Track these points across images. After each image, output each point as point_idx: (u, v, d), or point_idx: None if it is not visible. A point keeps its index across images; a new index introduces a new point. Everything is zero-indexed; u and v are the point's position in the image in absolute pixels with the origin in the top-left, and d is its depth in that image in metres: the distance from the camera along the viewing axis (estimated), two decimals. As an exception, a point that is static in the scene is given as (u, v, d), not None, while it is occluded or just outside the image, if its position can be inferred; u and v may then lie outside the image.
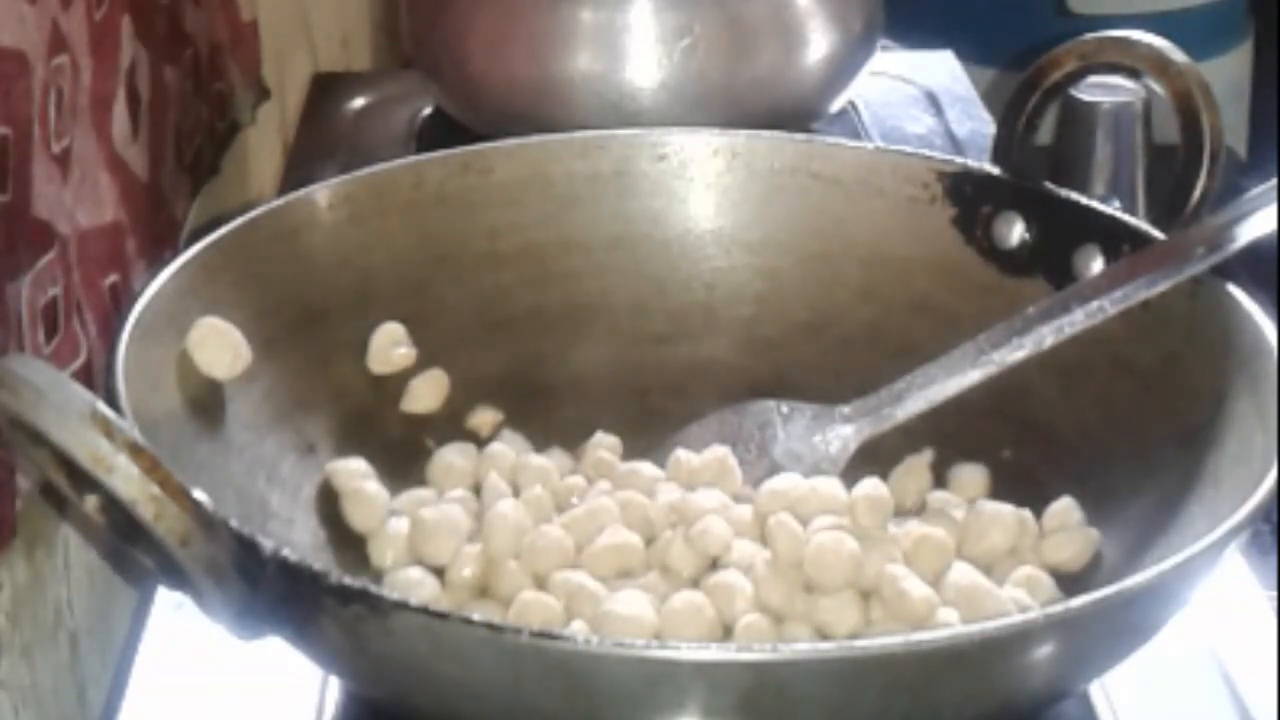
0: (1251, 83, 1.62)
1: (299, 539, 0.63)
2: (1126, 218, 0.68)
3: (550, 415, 0.72)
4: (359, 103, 1.10)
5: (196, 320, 0.63)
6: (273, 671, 0.60)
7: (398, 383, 0.71)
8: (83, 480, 0.49)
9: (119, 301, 0.74)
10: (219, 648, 0.59)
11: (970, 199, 0.72)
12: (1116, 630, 0.52)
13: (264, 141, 1.11)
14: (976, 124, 1.04)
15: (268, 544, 0.50)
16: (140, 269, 0.78)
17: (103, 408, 0.48)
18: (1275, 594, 0.67)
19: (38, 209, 0.66)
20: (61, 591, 0.69)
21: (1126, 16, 1.33)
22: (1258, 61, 1.63)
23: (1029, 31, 1.42)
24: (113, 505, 0.49)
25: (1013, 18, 1.55)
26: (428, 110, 1.07)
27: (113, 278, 0.75)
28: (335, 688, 0.61)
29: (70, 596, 0.69)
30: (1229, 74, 1.56)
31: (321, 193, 0.71)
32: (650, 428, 0.72)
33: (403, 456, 0.70)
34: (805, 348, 0.74)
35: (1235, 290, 0.63)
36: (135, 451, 0.48)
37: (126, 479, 0.48)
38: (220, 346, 0.63)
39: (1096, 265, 0.68)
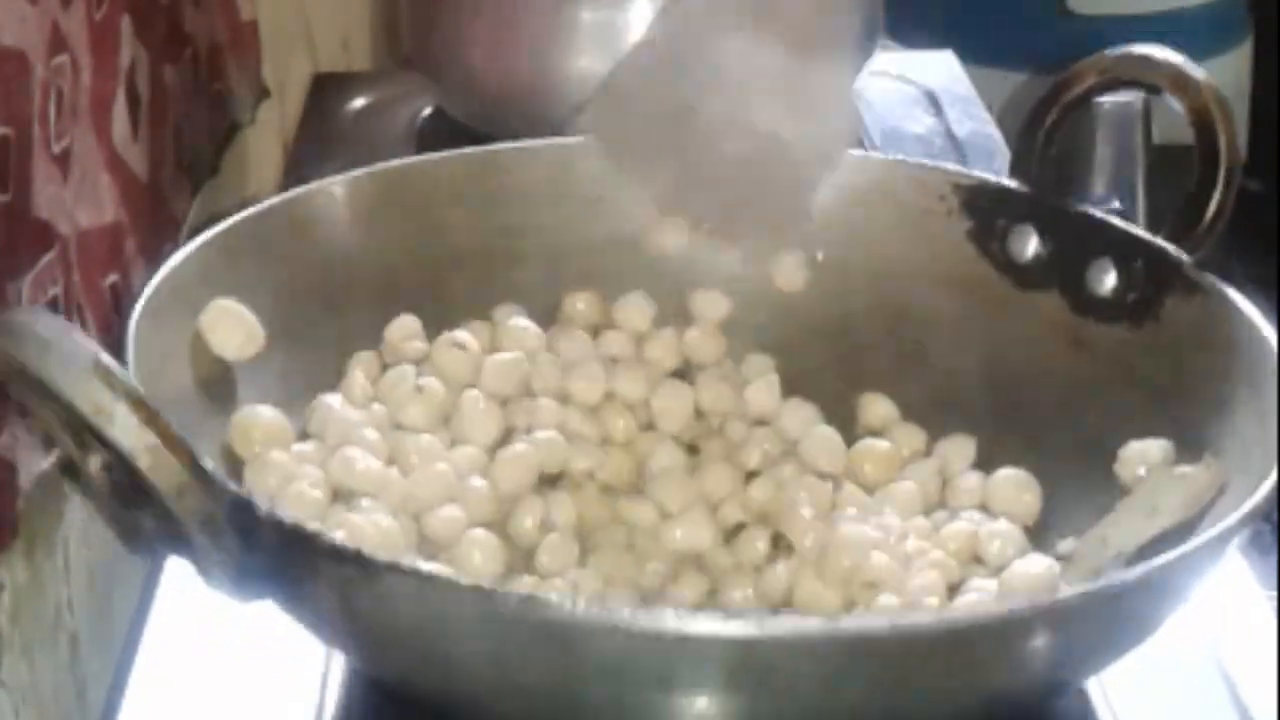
0: (1251, 83, 1.62)
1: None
2: (1141, 232, 0.68)
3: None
4: (359, 103, 1.10)
5: (210, 301, 0.63)
6: (273, 671, 0.60)
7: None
8: (85, 439, 0.49)
9: (119, 301, 0.74)
10: (219, 648, 0.59)
11: (986, 212, 0.72)
12: (1112, 624, 0.52)
13: (264, 141, 1.11)
14: (976, 124, 1.04)
15: (263, 503, 0.50)
16: (140, 269, 0.78)
17: (106, 359, 0.48)
18: (1275, 594, 0.67)
19: (38, 209, 0.66)
20: (61, 592, 0.69)
21: (1127, 16, 1.33)
22: (1258, 61, 1.63)
23: (1029, 31, 1.42)
24: (115, 465, 0.49)
25: (1013, 17, 1.55)
26: (428, 110, 1.07)
27: (113, 278, 0.75)
28: (335, 688, 0.61)
29: (70, 597, 0.69)
30: (1229, 74, 1.56)
31: (339, 184, 0.71)
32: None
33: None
34: (818, 355, 0.74)
35: (1236, 295, 0.63)
36: (135, 402, 0.48)
37: (125, 429, 0.48)
38: (233, 327, 0.64)
39: (1110, 279, 0.68)
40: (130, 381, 0.49)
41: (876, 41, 1.00)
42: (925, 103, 1.07)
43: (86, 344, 0.49)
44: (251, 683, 0.62)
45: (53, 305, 0.67)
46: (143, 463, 0.48)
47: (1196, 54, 0.69)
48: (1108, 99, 0.84)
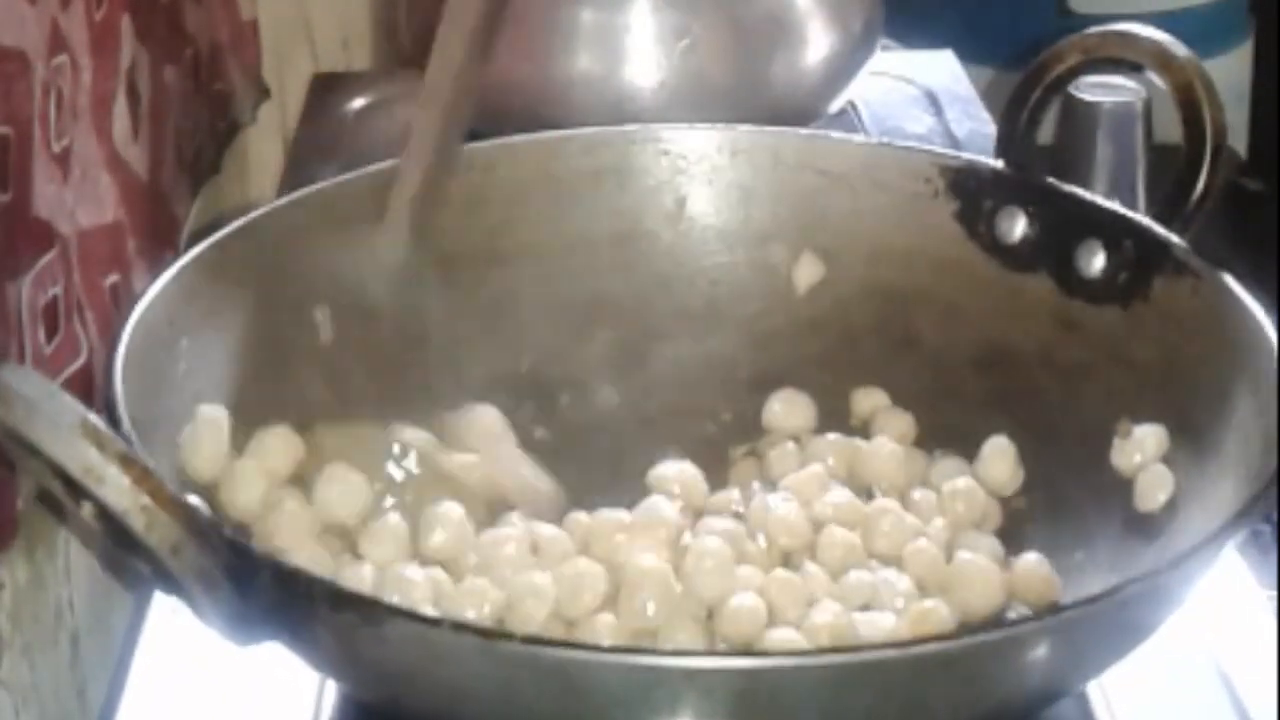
0: (1251, 83, 1.62)
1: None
2: (1128, 213, 0.68)
3: (553, 413, 0.73)
4: (359, 103, 1.10)
5: (190, 333, 0.63)
6: (271, 671, 0.60)
7: (399, 382, 0.70)
8: (77, 489, 0.49)
9: (120, 301, 0.74)
10: (217, 648, 0.59)
11: (973, 193, 0.72)
12: (1113, 631, 0.52)
13: (264, 141, 1.11)
14: (976, 124, 1.04)
15: (260, 550, 0.50)
16: (141, 269, 0.78)
17: (93, 419, 0.48)
18: (1274, 593, 0.67)
19: (38, 209, 0.66)
20: (62, 591, 0.69)
21: (1127, 16, 1.32)
22: (1258, 61, 1.63)
23: (1029, 31, 1.42)
24: (107, 513, 0.49)
25: (1013, 17, 1.55)
26: (428, 110, 1.06)
27: (113, 277, 0.75)
28: (333, 687, 0.61)
29: (71, 596, 0.69)
30: (1229, 74, 1.56)
31: (321, 192, 0.71)
32: (654, 424, 0.72)
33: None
34: (809, 343, 0.74)
35: (1237, 287, 0.63)
36: (126, 462, 0.48)
37: (117, 490, 0.48)
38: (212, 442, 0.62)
39: (1099, 260, 0.68)
40: (119, 441, 0.48)
41: (876, 41, 1.00)
42: (925, 103, 1.08)
43: (73, 404, 0.48)
44: (250, 682, 0.62)
45: (52, 305, 0.67)
46: (136, 523, 0.48)
47: (1196, 54, 0.69)
48: (1108, 99, 0.84)
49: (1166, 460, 0.63)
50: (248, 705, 0.61)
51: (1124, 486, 0.63)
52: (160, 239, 0.83)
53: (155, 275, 0.63)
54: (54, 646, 0.68)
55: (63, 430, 0.47)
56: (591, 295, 0.74)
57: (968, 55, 1.16)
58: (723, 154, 0.75)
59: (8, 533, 0.62)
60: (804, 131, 0.77)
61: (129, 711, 0.62)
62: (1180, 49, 0.68)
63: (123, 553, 0.51)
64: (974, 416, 0.69)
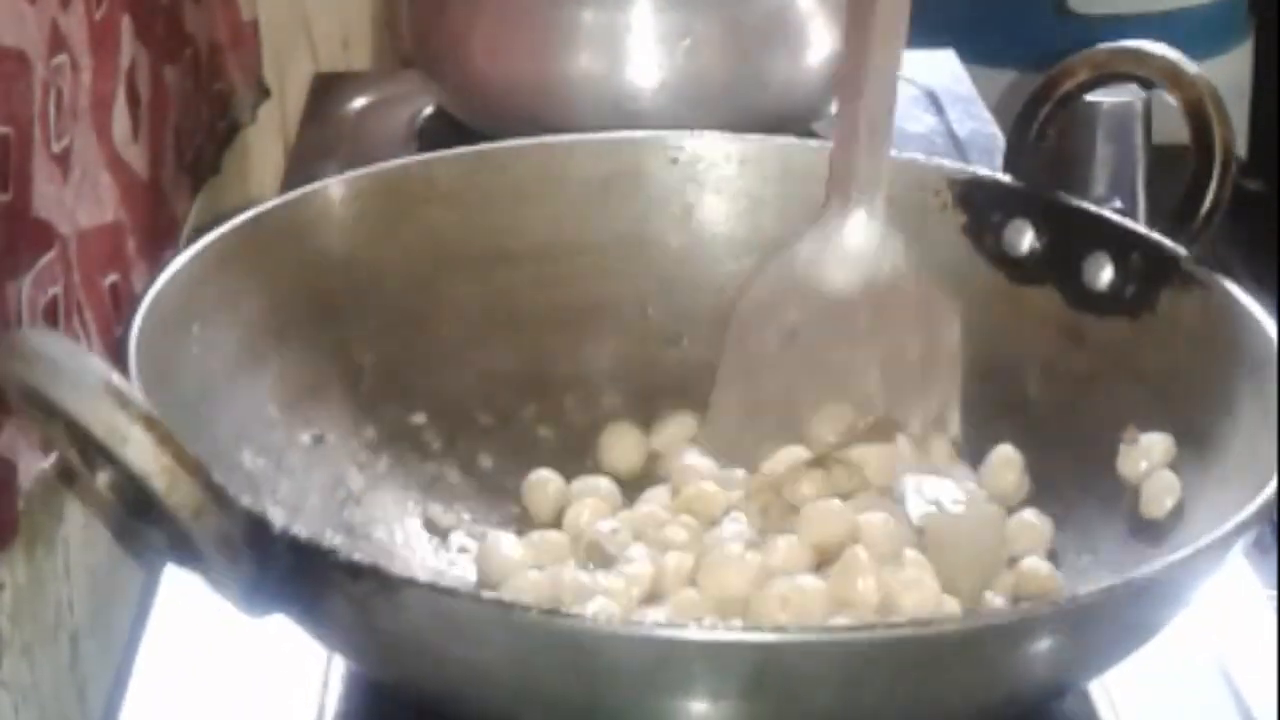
0: (1251, 83, 1.62)
1: (307, 529, 0.63)
2: (1136, 226, 0.68)
3: (557, 415, 0.73)
4: (359, 103, 1.10)
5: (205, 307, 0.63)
6: (274, 672, 0.60)
7: (405, 378, 0.71)
8: (95, 456, 0.49)
9: (119, 301, 0.74)
10: (220, 647, 0.59)
11: (980, 206, 0.72)
12: (1120, 624, 0.52)
13: (265, 141, 1.11)
14: (978, 124, 1.04)
15: (279, 520, 0.50)
16: (141, 269, 0.78)
17: (118, 379, 0.48)
18: (1276, 593, 0.67)
19: (38, 209, 0.66)
20: (62, 591, 0.69)
21: (1127, 16, 1.33)
22: (1258, 61, 1.63)
23: (1030, 31, 1.42)
24: (125, 481, 0.48)
25: (1013, 17, 1.55)
26: (428, 110, 1.07)
27: (113, 277, 0.75)
28: (336, 690, 0.61)
29: (71, 596, 0.69)
30: (1229, 74, 1.56)
31: (335, 186, 0.71)
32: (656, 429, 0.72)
33: (407, 448, 0.70)
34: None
35: (1241, 294, 0.63)
36: (149, 423, 0.47)
37: (140, 450, 0.47)
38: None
39: (1106, 273, 0.68)
40: (143, 402, 0.48)
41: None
42: (925, 102, 1.08)
43: (98, 365, 0.48)
44: (252, 682, 0.62)
45: (52, 305, 0.67)
46: (159, 484, 0.48)
47: (1196, 54, 0.70)
48: (1108, 99, 0.84)
49: (1172, 467, 0.63)
50: (251, 707, 0.61)
51: (1130, 493, 0.64)
52: (160, 239, 0.83)
53: (155, 275, 0.63)
54: (54, 646, 0.68)
55: (86, 390, 0.47)
56: (598, 299, 0.74)
57: (968, 55, 1.16)
58: (731, 162, 0.75)
59: (8, 533, 0.62)
60: (813, 141, 0.77)
61: (132, 708, 0.62)
62: (1191, 66, 0.68)
63: (138, 522, 0.50)
64: (980, 426, 0.69)
